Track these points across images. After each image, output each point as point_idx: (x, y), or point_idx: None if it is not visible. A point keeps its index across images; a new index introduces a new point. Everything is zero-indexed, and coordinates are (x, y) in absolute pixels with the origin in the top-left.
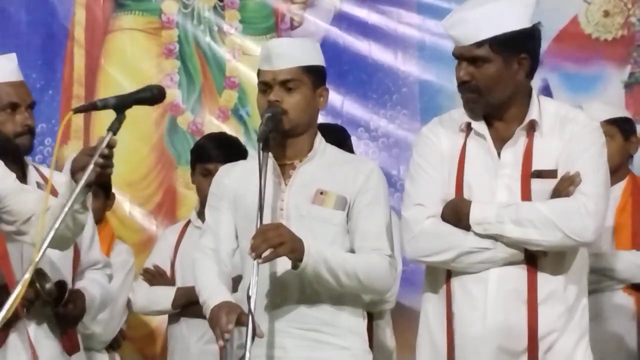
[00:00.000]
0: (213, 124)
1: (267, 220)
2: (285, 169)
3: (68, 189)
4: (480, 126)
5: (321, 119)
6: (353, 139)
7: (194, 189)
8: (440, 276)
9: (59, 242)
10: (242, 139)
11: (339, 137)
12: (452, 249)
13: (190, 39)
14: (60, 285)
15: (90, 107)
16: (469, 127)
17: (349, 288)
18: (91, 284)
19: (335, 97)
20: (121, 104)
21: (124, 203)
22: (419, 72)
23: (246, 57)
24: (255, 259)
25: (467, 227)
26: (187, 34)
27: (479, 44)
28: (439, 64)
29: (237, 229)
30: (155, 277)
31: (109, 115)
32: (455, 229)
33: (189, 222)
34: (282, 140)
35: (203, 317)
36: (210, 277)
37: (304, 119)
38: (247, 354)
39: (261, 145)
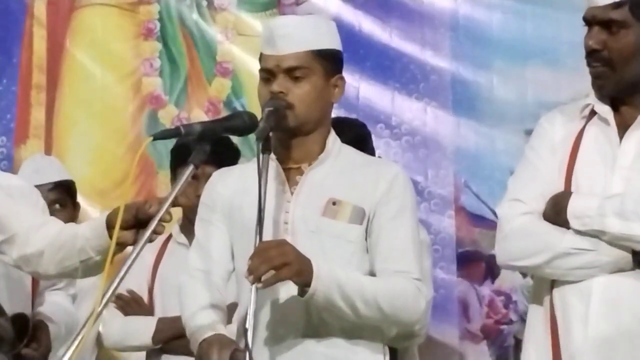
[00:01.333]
0: (201, 119)
1: (268, 236)
2: (290, 175)
3: (93, 231)
4: (604, 109)
5: (333, 112)
6: None
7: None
8: (545, 284)
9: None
10: (237, 139)
11: (357, 135)
12: (545, 250)
13: (173, 16)
14: (20, 319)
15: (171, 134)
16: (592, 112)
17: (368, 319)
18: (53, 310)
19: (349, 87)
20: (208, 133)
21: (94, 214)
22: (452, 56)
23: (242, 37)
24: (253, 283)
25: (565, 222)
26: (170, 10)
27: (617, 4)
28: (476, 46)
29: (233, 247)
30: (130, 305)
31: (75, 109)
32: (552, 228)
33: (169, 237)
34: (287, 139)
35: (190, 353)
36: (200, 306)
37: (313, 114)
38: None
39: (260, 145)
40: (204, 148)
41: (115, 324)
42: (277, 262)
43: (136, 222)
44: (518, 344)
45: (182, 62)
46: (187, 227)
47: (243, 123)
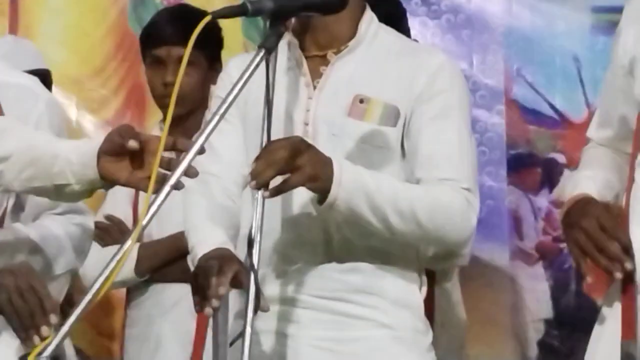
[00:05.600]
0: None
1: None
2: (314, 64)
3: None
4: None
5: None
6: None
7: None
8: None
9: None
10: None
11: (390, 13)
12: None
13: None
14: None
15: (236, 12)
16: None
17: (403, 236)
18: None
19: None
20: (282, 11)
21: (69, 108)
22: None
23: None
24: (255, 188)
25: None
26: None
27: None
28: None
29: (248, 149)
30: (109, 232)
31: None
32: None
33: None
34: (310, 20)
35: (184, 279)
36: (205, 216)
37: None
38: (248, 329)
39: (268, 23)
40: (278, 29)
41: (90, 258)
42: (285, 165)
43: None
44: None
45: None
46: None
47: None
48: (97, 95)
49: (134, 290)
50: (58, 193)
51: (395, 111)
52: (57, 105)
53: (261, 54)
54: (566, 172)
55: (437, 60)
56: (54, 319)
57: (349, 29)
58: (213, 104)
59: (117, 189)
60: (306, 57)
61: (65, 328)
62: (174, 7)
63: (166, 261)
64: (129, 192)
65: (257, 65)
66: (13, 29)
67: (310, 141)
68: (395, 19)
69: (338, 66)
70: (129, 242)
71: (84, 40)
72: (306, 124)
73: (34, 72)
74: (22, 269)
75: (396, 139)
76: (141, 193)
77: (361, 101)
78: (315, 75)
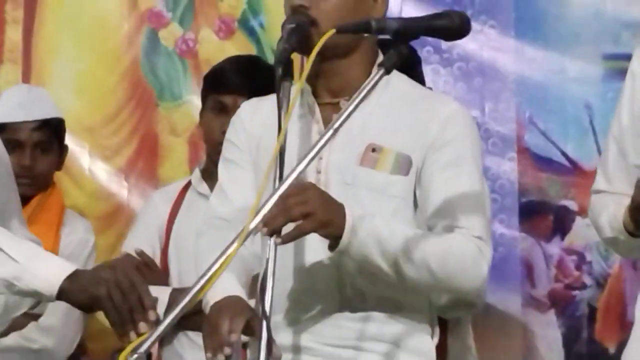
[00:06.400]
0: (211, 41)
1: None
2: (327, 111)
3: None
4: None
5: None
6: None
7: (183, 136)
8: None
9: None
10: None
11: (405, 61)
12: None
13: None
14: None
15: (360, 28)
16: None
17: (415, 283)
18: None
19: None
20: (406, 31)
21: (82, 156)
22: None
23: None
24: (267, 235)
25: None
26: None
27: None
28: None
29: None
30: (139, 270)
31: (59, 28)
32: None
33: (188, 184)
34: (322, 65)
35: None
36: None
37: (344, 36)
38: None
39: (280, 71)
40: (401, 50)
41: None
42: (297, 211)
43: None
44: (592, 313)
45: None
46: (211, 172)
47: (451, 23)
48: (110, 143)
49: (163, 340)
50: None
51: (407, 160)
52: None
53: (380, 72)
54: (578, 219)
55: (449, 109)
56: (152, 315)
57: (362, 75)
58: (224, 148)
59: (147, 214)
60: (319, 104)
61: (162, 326)
62: (244, 57)
63: (197, 310)
64: (159, 220)
65: (375, 84)
66: (26, 77)
67: (322, 189)
68: (410, 66)
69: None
70: (234, 245)
71: (97, 88)
72: (318, 172)
73: (48, 121)
74: (123, 264)
75: (408, 187)
76: (179, 215)
77: (373, 150)
78: (328, 122)
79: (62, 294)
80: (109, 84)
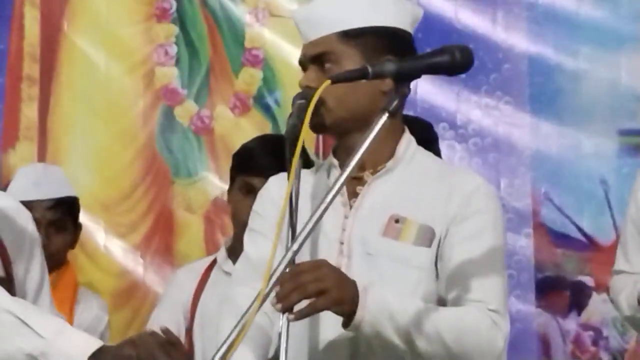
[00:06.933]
0: (227, 118)
1: (321, 257)
2: (351, 184)
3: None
4: None
5: None
6: None
7: (198, 212)
8: None
9: None
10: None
11: (422, 137)
12: None
13: None
14: None
15: (356, 75)
16: None
17: (429, 356)
18: None
19: None
20: (405, 71)
21: (97, 233)
22: (529, 41)
23: (275, 19)
24: (280, 312)
25: None
26: None
27: None
28: (558, 30)
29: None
30: (166, 350)
31: (74, 105)
32: None
33: (213, 262)
34: (343, 140)
35: None
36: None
37: (351, 109)
38: None
39: (288, 145)
40: (402, 91)
41: None
42: (311, 289)
43: None
44: None
45: (203, 48)
46: (237, 251)
47: (451, 59)
48: (126, 220)
49: None
50: None
51: (430, 232)
52: None
53: (384, 117)
54: (594, 295)
55: (473, 182)
56: None
57: (388, 151)
58: (250, 219)
59: (172, 292)
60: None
61: None
62: (272, 138)
63: None
64: (184, 297)
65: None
66: (42, 154)
67: (345, 260)
68: (428, 143)
69: (374, 186)
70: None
71: (112, 165)
72: (341, 243)
73: (63, 200)
74: (148, 341)
75: (430, 259)
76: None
77: (397, 221)
78: (352, 195)
79: None
80: (124, 161)
